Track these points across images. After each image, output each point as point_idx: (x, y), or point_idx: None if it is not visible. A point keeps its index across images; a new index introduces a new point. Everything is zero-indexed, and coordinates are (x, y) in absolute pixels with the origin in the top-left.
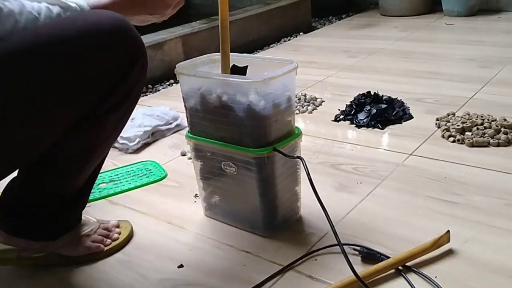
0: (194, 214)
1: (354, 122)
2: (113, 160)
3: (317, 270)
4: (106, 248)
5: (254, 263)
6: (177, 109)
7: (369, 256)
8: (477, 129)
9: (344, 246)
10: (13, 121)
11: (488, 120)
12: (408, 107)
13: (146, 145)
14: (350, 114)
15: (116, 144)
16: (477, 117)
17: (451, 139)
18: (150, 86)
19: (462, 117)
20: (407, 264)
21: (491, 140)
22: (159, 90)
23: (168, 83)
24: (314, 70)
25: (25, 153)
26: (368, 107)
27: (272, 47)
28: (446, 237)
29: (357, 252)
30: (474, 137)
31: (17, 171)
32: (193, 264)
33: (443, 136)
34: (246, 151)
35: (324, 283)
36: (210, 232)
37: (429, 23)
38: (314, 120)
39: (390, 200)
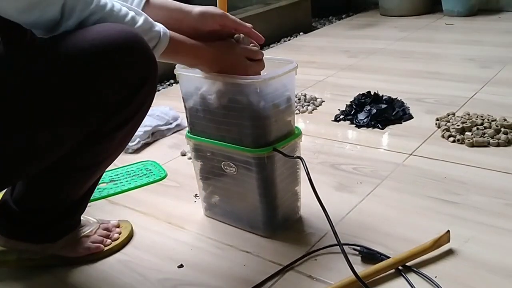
0: (194, 214)
1: (354, 122)
2: None
3: (317, 270)
4: (106, 248)
5: (254, 263)
6: (177, 109)
7: (369, 256)
8: (477, 129)
9: (344, 246)
10: (20, 137)
11: (488, 120)
12: (408, 107)
13: (146, 145)
14: (350, 114)
15: None
16: (477, 117)
17: (451, 139)
18: None
19: (462, 117)
20: (407, 264)
21: (491, 140)
22: (159, 90)
23: (168, 83)
24: (314, 70)
25: (29, 166)
26: (368, 107)
27: (272, 47)
28: (446, 237)
29: (357, 252)
30: (474, 137)
31: None
32: (193, 264)
33: (443, 136)
34: (246, 151)
35: (324, 283)
36: (210, 232)
37: (429, 23)
38: (314, 120)
39: (390, 200)
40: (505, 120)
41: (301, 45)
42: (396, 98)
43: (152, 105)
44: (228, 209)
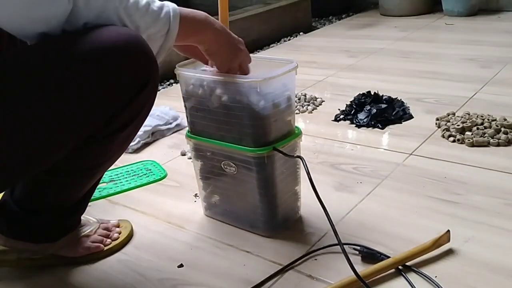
0: (194, 214)
1: (354, 122)
2: None
3: (317, 270)
4: (106, 248)
5: (254, 263)
6: (177, 109)
7: (369, 255)
8: (477, 129)
9: (344, 246)
10: (21, 139)
11: (488, 120)
12: (408, 107)
13: (146, 144)
14: (350, 114)
15: None
16: (477, 117)
17: (451, 139)
18: None
19: (462, 117)
20: (407, 263)
21: (491, 140)
22: (159, 90)
23: (168, 83)
24: (314, 70)
25: (30, 168)
26: (368, 107)
27: (272, 47)
28: (446, 237)
29: (357, 252)
30: (474, 137)
31: None
32: (193, 264)
33: (443, 136)
34: (246, 150)
35: (324, 282)
36: (210, 232)
37: (429, 23)
38: (314, 120)
39: (390, 200)
40: (505, 120)
41: (301, 45)
42: (396, 98)
43: None
44: (228, 209)
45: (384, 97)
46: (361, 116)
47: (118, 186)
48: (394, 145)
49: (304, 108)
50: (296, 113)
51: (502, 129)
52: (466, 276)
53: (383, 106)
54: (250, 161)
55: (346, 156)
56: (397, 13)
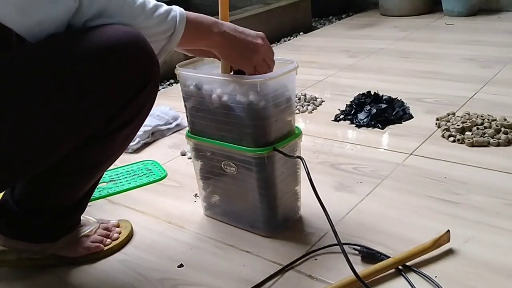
0: (194, 214)
1: (354, 122)
2: None
3: (317, 270)
4: (106, 248)
5: (254, 263)
6: (177, 109)
7: (369, 255)
8: (477, 129)
9: (344, 246)
10: (22, 139)
11: (488, 120)
12: (408, 107)
13: (146, 144)
14: (350, 114)
15: None
16: (477, 117)
17: (451, 139)
18: None
19: (462, 117)
20: (407, 263)
21: (491, 140)
22: (159, 90)
23: (168, 83)
24: (314, 70)
25: (31, 168)
26: (368, 107)
27: (272, 47)
28: (446, 237)
29: (357, 252)
30: (474, 137)
31: None
32: (193, 264)
33: (443, 136)
34: (246, 151)
35: (324, 282)
36: (210, 232)
37: (429, 23)
38: (314, 120)
39: (390, 200)
40: (505, 120)
41: (301, 45)
42: (396, 98)
43: None
44: (228, 208)
45: (384, 97)
46: (361, 116)
47: (118, 186)
48: (394, 145)
49: (304, 108)
50: (296, 113)
51: (502, 129)
52: (466, 276)
53: (383, 106)
54: (250, 161)
55: (346, 156)
56: (397, 13)
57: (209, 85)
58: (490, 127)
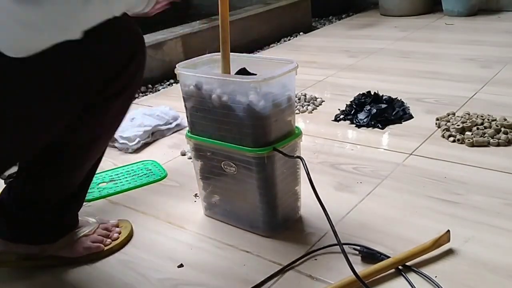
0: (194, 214)
1: (354, 122)
2: (113, 160)
3: (317, 270)
4: (106, 248)
5: (254, 263)
6: (177, 109)
7: (369, 255)
8: (477, 129)
9: (344, 246)
10: (15, 114)
11: (488, 120)
12: (408, 107)
13: (146, 144)
14: (350, 114)
15: (116, 144)
16: (477, 117)
17: (451, 139)
18: (150, 86)
19: (462, 117)
20: (407, 263)
21: (491, 140)
22: (159, 90)
23: (168, 83)
24: (314, 70)
25: (29, 145)
26: (368, 107)
27: (272, 47)
28: (446, 237)
29: (357, 252)
30: (474, 137)
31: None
32: (193, 264)
33: (443, 136)
34: (246, 150)
35: (324, 282)
36: (210, 232)
37: (429, 23)
38: (314, 120)
39: (390, 200)
40: (505, 120)
41: (301, 45)
42: (396, 98)
43: (151, 104)
44: (228, 208)
45: (384, 97)
46: (361, 116)
47: (118, 186)
48: (394, 145)
49: (304, 108)
50: (296, 113)
51: (502, 129)
52: (466, 276)
53: (383, 106)
54: (250, 161)
55: (346, 156)
56: (397, 13)
57: (209, 85)
58: (490, 127)
